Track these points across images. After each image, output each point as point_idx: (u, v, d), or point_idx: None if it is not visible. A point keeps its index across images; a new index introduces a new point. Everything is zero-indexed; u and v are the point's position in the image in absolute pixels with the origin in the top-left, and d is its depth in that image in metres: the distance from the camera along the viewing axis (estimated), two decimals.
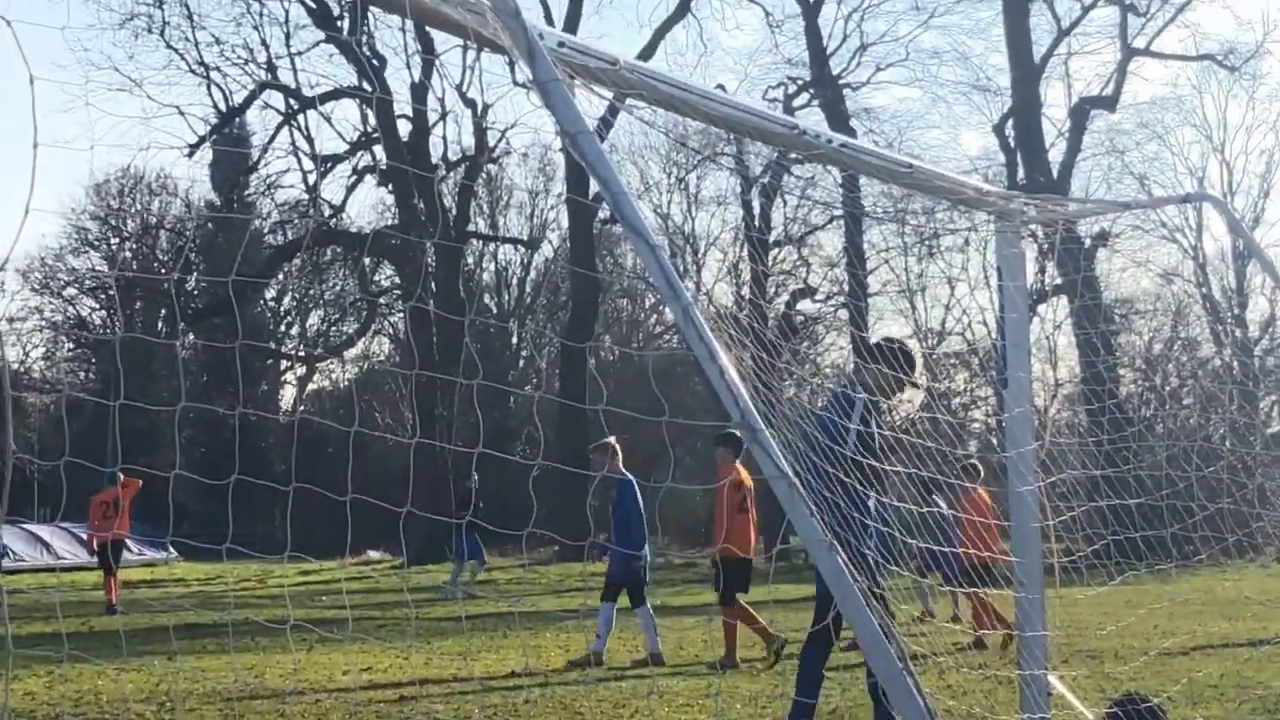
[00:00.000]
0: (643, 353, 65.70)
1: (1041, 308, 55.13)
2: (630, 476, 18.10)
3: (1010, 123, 57.97)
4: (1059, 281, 52.38)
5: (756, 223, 60.89)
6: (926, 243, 59.91)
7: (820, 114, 55.60)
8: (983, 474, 19.49)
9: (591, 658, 17.39)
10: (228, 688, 14.48)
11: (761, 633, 17.57)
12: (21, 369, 66.56)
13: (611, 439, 18.48)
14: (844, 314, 61.99)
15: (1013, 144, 57.62)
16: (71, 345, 73.92)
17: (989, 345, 56.48)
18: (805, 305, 65.62)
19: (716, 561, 17.96)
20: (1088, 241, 51.35)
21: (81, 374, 72.34)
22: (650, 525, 18.68)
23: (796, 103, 58.75)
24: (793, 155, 49.40)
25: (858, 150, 8.65)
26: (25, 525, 41.62)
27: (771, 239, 62.60)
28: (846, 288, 60.41)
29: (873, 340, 11.23)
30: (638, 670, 17.17)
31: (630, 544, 17.83)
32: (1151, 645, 17.59)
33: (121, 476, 27.73)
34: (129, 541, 45.98)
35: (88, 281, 71.62)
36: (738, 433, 17.35)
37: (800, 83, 60.46)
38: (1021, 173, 54.53)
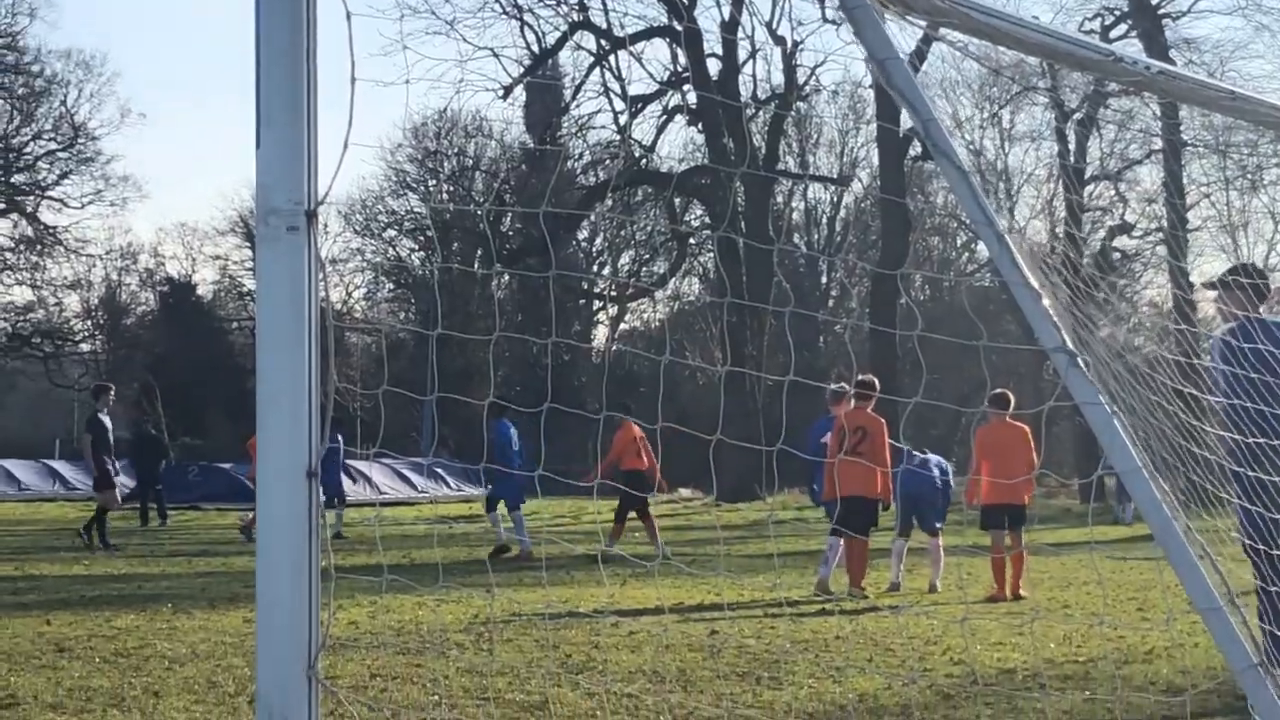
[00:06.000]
0: (959, 278, 64.96)
1: None
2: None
3: None
4: None
5: (1072, 156, 59.72)
6: (1249, 176, 58.10)
7: (1138, 45, 54.13)
8: (1012, 404, 19.14)
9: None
10: (543, 617, 14.72)
11: (852, 575, 18.40)
12: (344, 309, 68.38)
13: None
14: (1162, 250, 60.49)
15: None
16: (392, 286, 75.70)
17: None
18: (1122, 241, 64.26)
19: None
20: None
21: (401, 314, 74.02)
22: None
23: (1114, 34, 57.31)
24: (1110, 86, 48.33)
25: (1176, 77, 8.41)
26: (348, 461, 42.80)
27: (1088, 174, 61.35)
28: (1165, 223, 58.96)
29: (1218, 277, 10.85)
30: (949, 606, 17.07)
31: None
32: None
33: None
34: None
35: (407, 223, 73.22)
36: (871, 379, 18.29)
37: (1118, 13, 59.01)
38: None
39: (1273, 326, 9.65)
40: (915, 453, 20.49)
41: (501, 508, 24.77)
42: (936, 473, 19.68)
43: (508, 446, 24.39)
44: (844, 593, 18.12)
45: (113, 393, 28.72)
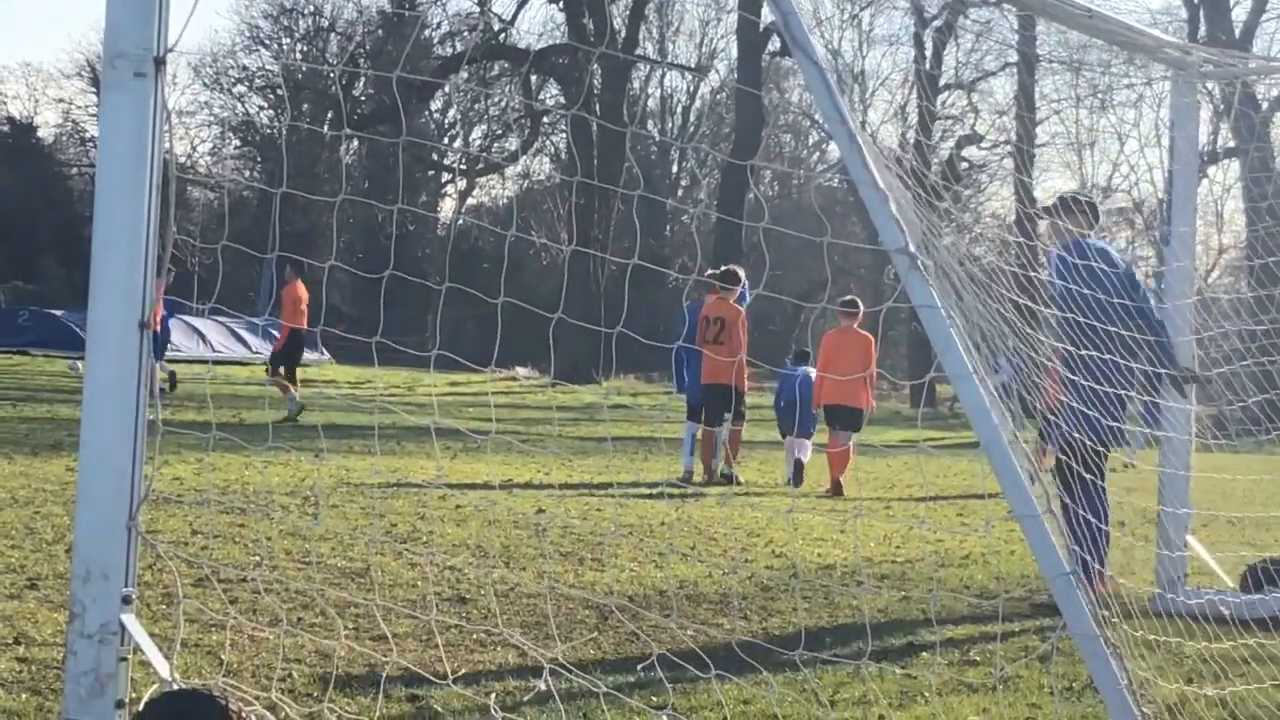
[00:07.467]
0: (808, 175, 65.16)
1: (1212, 169, 53.98)
2: None
3: None
4: (1232, 144, 51.31)
5: (928, 63, 60.05)
6: (1100, 96, 58.77)
7: None
8: (861, 311, 19.58)
9: None
10: (370, 486, 14.69)
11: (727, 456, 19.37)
12: (188, 162, 67.29)
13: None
14: (1009, 163, 61.13)
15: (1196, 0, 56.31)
16: (238, 143, 74.58)
17: (1155, 204, 55.58)
18: (971, 152, 64.84)
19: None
20: (1265, 105, 50.18)
21: (246, 172, 72.98)
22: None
23: None
24: None
25: None
26: (183, 317, 42.13)
27: (942, 82, 61.75)
28: (1014, 136, 59.56)
29: (1056, 198, 11.24)
30: (774, 499, 17.30)
31: None
32: None
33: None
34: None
35: (258, 80, 72.11)
36: (733, 270, 18.82)
37: None
38: (1203, 30, 53.29)
39: (1095, 249, 9.89)
40: (783, 369, 21.14)
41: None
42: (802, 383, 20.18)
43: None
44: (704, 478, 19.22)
45: None
